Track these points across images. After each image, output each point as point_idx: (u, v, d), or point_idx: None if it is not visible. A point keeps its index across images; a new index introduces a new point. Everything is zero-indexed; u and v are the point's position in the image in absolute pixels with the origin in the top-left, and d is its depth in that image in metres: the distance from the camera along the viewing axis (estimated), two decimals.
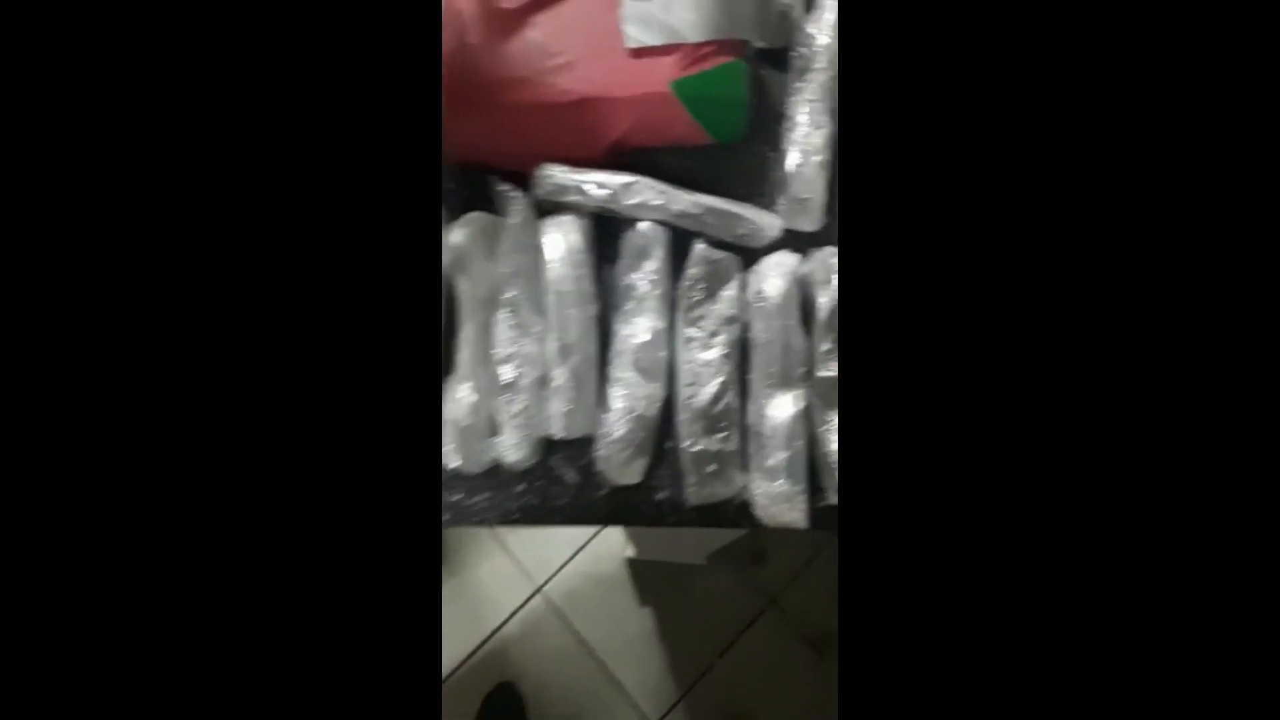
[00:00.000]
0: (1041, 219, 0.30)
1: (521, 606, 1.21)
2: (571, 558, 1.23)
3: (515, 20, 0.56)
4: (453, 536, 1.24)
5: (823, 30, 0.58)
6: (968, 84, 0.30)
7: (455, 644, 1.19)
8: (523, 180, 0.56)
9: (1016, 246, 0.30)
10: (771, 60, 0.60)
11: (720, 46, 0.55)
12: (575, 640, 1.20)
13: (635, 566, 1.22)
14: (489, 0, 0.56)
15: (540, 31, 0.56)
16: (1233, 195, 0.29)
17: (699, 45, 0.55)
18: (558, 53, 0.55)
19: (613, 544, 1.22)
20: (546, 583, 1.22)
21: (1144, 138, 0.30)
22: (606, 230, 0.57)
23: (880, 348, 0.31)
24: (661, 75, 0.55)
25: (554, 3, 0.56)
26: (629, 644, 1.19)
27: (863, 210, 0.31)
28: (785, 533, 1.30)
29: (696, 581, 1.20)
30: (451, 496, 0.53)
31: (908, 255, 0.31)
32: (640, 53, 0.55)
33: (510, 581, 1.22)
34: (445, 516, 0.53)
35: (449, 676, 1.18)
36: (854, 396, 0.31)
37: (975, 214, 0.30)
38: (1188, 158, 0.29)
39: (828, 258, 0.53)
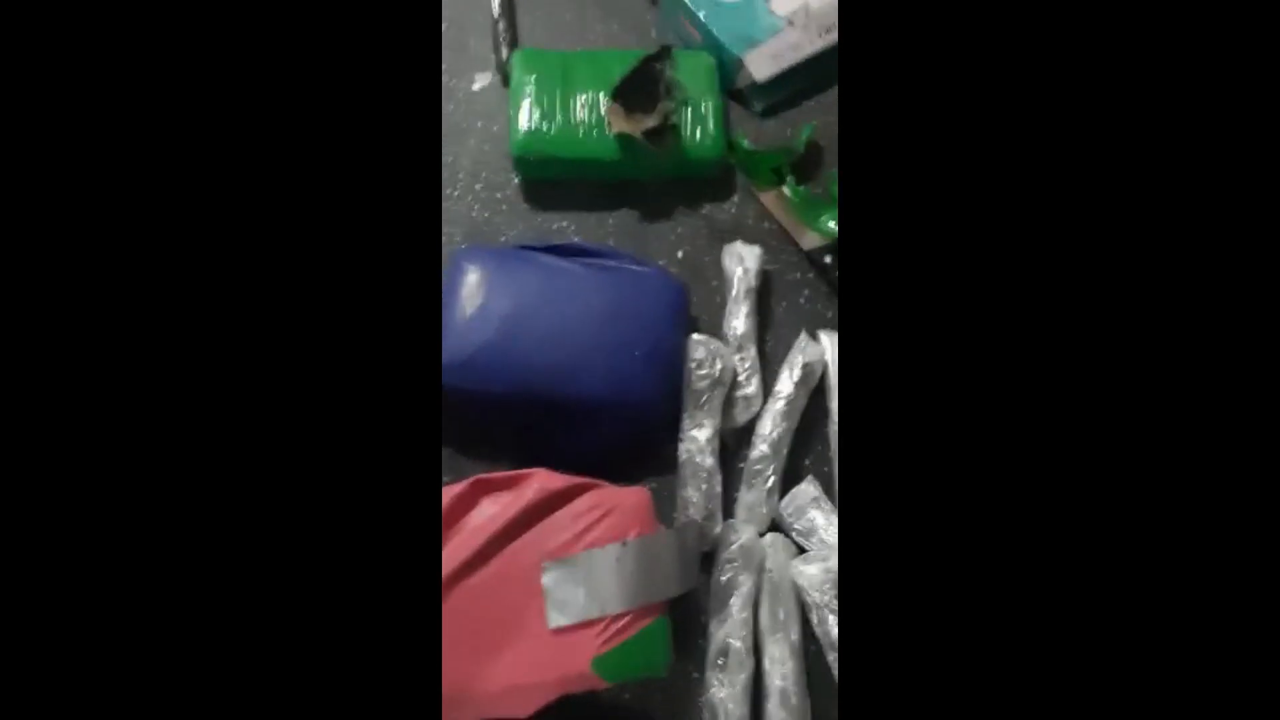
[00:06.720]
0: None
1: None
2: None
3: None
4: None
5: None
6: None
7: None
8: None
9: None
10: None
11: (641, 611, 0.55)
12: None
13: None
14: None
15: (460, 607, 0.53)
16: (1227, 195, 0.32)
17: (619, 616, 0.54)
18: (482, 642, 0.53)
19: None
20: None
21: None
22: None
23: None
24: (584, 653, 0.53)
25: (465, 577, 0.55)
26: None
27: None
28: None
29: None
30: None
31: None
32: (562, 631, 0.54)
33: None
34: None
35: None
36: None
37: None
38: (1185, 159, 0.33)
39: None
